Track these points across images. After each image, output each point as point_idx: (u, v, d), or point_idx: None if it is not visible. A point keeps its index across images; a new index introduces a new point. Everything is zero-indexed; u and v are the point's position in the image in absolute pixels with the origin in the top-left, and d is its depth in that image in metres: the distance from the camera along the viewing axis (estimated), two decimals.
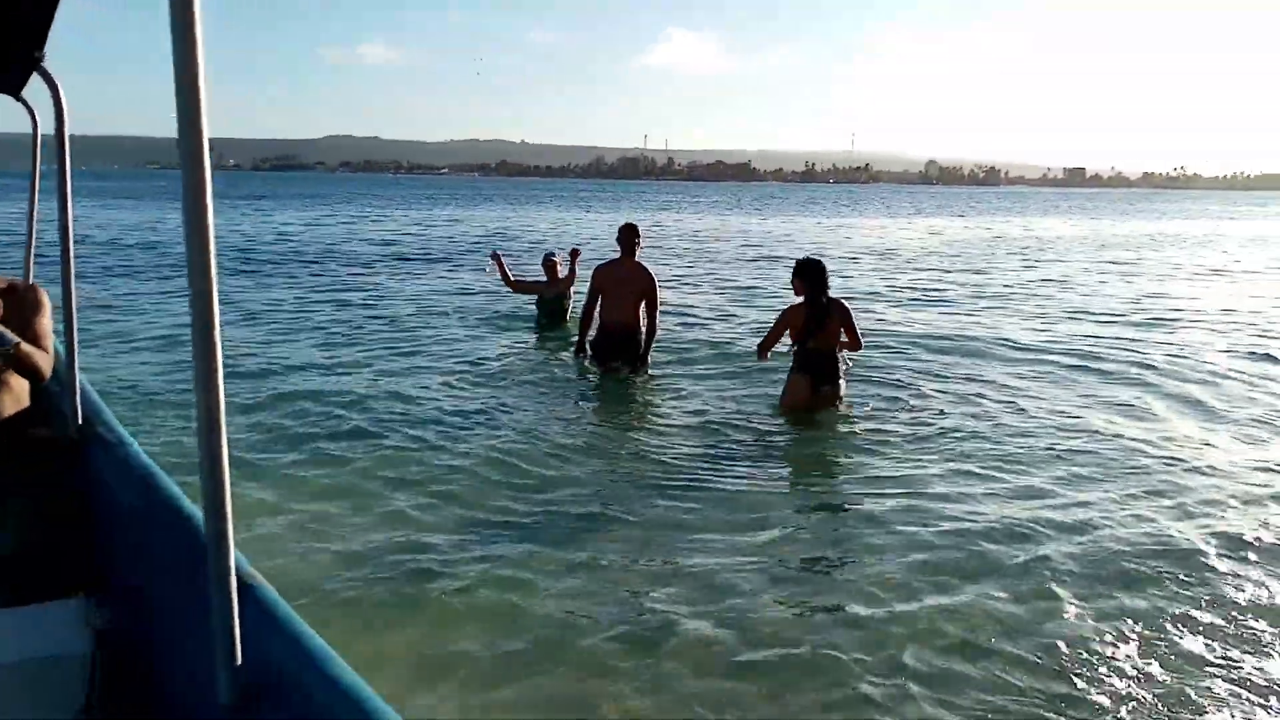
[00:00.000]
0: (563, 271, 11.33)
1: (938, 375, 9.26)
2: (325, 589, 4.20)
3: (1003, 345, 11.32)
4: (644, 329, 9.03)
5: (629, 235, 9.01)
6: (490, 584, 4.32)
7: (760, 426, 7.31)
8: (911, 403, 8.08)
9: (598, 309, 9.02)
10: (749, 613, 4.12)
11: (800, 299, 7.57)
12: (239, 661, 1.29)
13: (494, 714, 3.38)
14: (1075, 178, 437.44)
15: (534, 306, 11.59)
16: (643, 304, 8.98)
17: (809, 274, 7.54)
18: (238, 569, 1.32)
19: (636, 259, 9.01)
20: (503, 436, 6.73)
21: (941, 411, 7.80)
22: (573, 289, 11.20)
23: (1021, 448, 6.85)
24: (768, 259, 24.31)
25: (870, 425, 7.35)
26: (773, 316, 8.22)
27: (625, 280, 8.91)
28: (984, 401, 8.19)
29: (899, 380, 8.92)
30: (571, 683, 3.56)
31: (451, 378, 8.71)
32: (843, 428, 7.36)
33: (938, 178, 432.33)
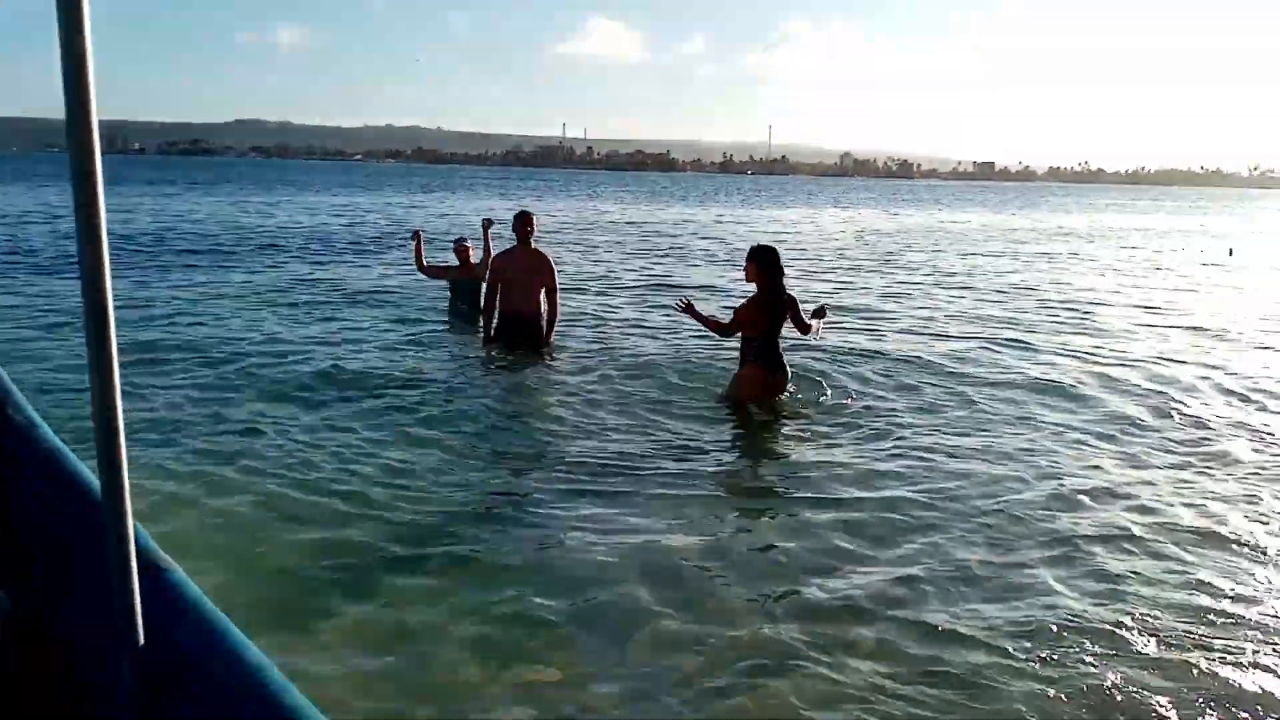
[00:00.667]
0: (475, 258, 11.29)
1: (879, 364, 9.41)
2: (236, 583, 4.14)
3: (942, 334, 11.65)
4: (545, 316, 9.13)
5: (523, 223, 9.01)
6: (404, 587, 4.27)
7: (695, 415, 7.32)
8: (852, 390, 8.20)
9: (498, 297, 9.03)
10: (697, 607, 4.10)
11: (754, 288, 7.48)
12: (141, 644, 1.26)
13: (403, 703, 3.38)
14: (985, 171, 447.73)
15: (449, 294, 11.51)
16: (543, 291, 9.06)
17: (766, 261, 7.47)
18: (145, 551, 1.30)
19: (533, 246, 9.03)
20: (421, 431, 6.57)
21: (886, 401, 7.91)
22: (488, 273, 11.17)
23: (968, 431, 7.04)
24: (692, 249, 24.51)
25: (813, 413, 7.45)
26: (702, 306, 8.07)
27: (523, 268, 8.95)
28: (928, 389, 8.38)
29: (840, 370, 9.04)
30: (495, 680, 3.51)
31: (366, 368, 8.53)
32: (787, 415, 7.42)
33: (853, 170, 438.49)
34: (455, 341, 10.14)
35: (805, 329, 7.61)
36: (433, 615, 3.92)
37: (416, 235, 11.60)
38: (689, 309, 7.53)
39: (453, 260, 11.45)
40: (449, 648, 3.69)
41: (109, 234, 1.15)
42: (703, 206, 54.80)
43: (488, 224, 11.21)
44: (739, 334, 7.56)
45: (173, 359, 8.49)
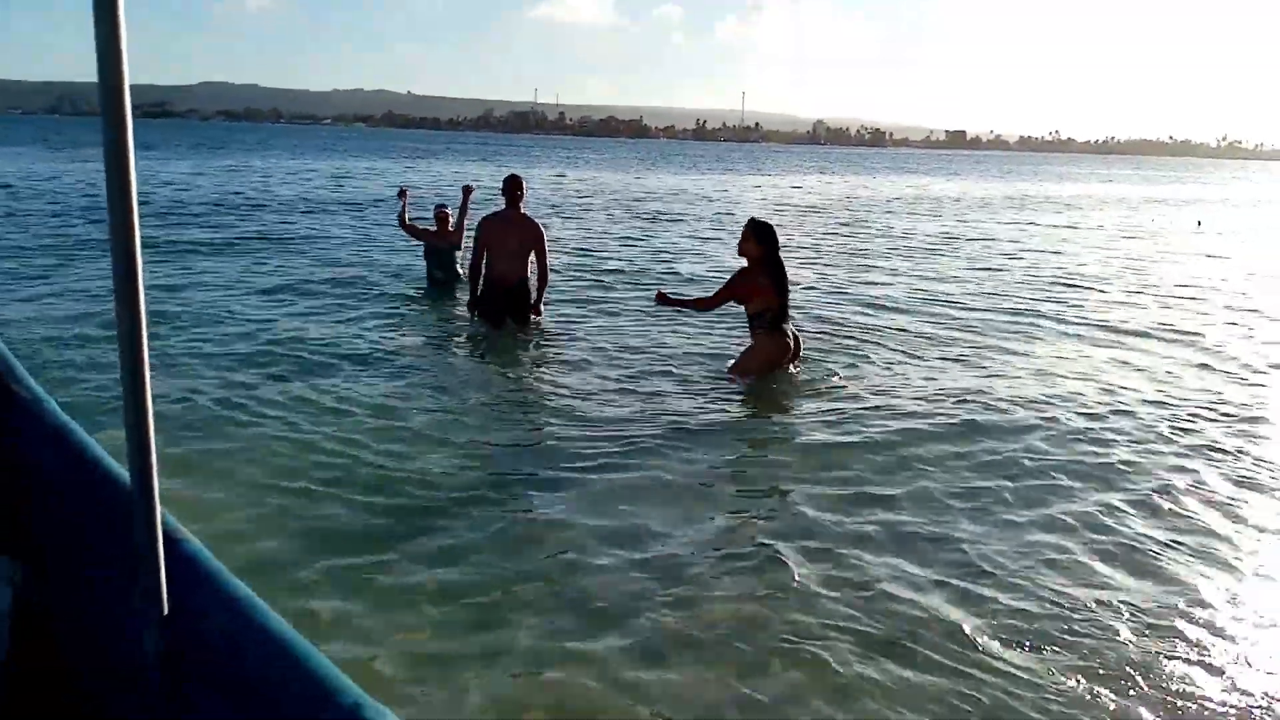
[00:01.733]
0: (454, 224, 11.17)
1: (881, 333, 9.41)
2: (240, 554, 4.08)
3: (944, 303, 11.68)
4: (533, 283, 9.03)
5: (513, 186, 8.88)
6: (405, 563, 4.23)
7: (695, 388, 7.23)
8: (857, 363, 8.15)
9: (484, 263, 8.89)
10: (684, 595, 4.02)
11: (744, 261, 7.44)
12: (165, 612, 1.30)
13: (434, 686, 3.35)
14: (957, 140, 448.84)
15: (423, 260, 11.37)
16: (531, 255, 8.94)
17: (767, 236, 7.42)
18: (165, 523, 1.32)
19: (522, 210, 8.90)
20: (406, 406, 6.44)
21: (891, 370, 7.94)
22: (464, 242, 11.08)
23: (982, 407, 6.93)
24: (673, 215, 24.42)
25: (825, 386, 7.37)
26: (686, 272, 8.03)
27: (512, 232, 8.82)
28: (928, 361, 8.37)
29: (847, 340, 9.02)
30: (507, 667, 3.47)
31: (344, 340, 8.38)
32: (795, 388, 7.33)
33: (826, 138, 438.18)
34: (433, 311, 10.06)
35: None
36: (418, 593, 3.88)
37: (403, 193, 11.65)
38: (661, 299, 7.61)
39: (432, 226, 11.32)
40: (435, 624, 3.65)
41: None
42: (691, 173, 54.53)
43: (468, 190, 11.10)
44: (747, 310, 7.47)
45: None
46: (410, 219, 11.36)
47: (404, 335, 8.74)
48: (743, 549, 4.47)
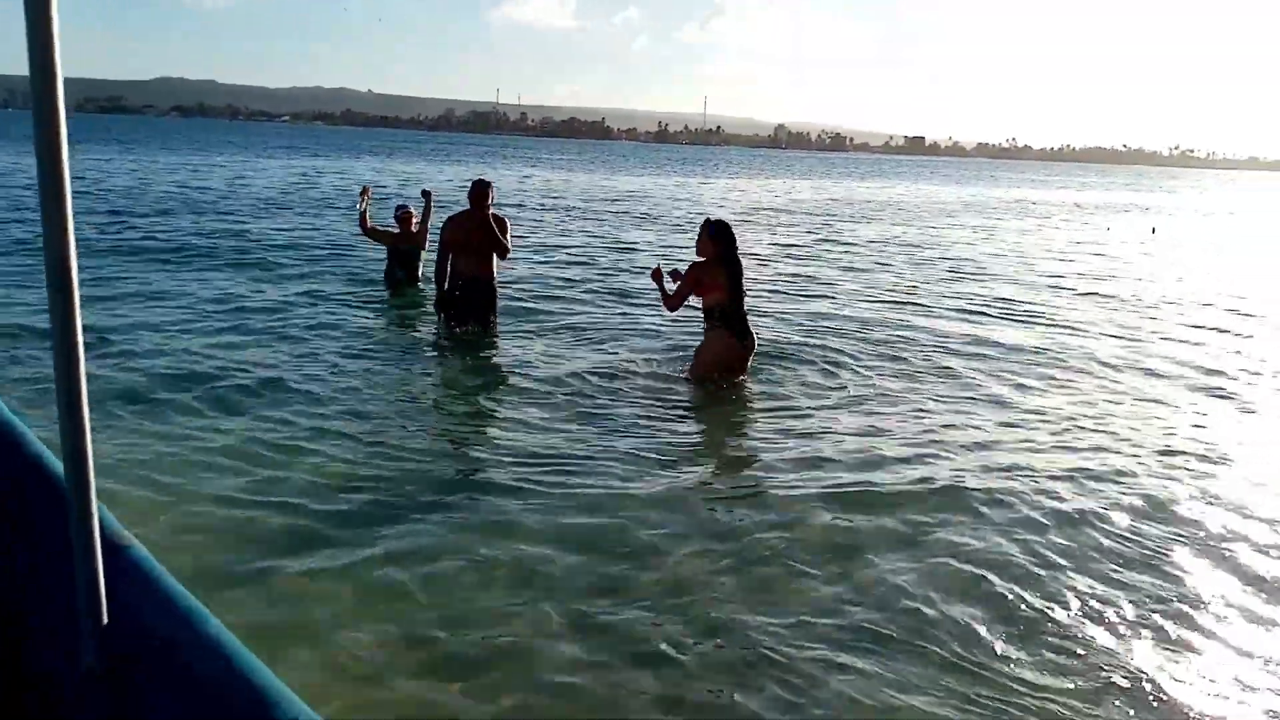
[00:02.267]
0: (417, 226, 11.01)
1: (843, 337, 9.46)
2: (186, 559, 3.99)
3: (904, 305, 11.74)
4: (498, 282, 9.04)
5: (481, 190, 8.83)
6: (354, 565, 4.17)
7: (655, 389, 7.23)
8: (818, 364, 8.17)
9: (449, 262, 8.84)
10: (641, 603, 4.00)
11: (703, 259, 7.42)
12: (105, 622, 1.26)
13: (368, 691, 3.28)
14: (916, 146, 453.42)
15: (384, 261, 11.18)
16: (495, 256, 8.92)
17: (723, 234, 7.43)
18: (107, 529, 1.29)
19: (488, 212, 8.84)
20: (358, 408, 6.34)
21: (857, 371, 8.00)
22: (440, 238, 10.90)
23: (940, 404, 7.06)
24: (638, 216, 24.39)
25: (779, 387, 7.42)
26: (642, 279, 8.05)
27: (478, 233, 8.76)
28: (901, 360, 8.44)
29: (809, 342, 9.05)
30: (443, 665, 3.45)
31: (299, 344, 8.20)
32: (756, 385, 7.40)
33: (787, 142, 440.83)
34: (391, 312, 9.95)
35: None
36: (362, 600, 3.81)
37: (364, 192, 11.18)
38: (657, 274, 7.60)
39: (394, 228, 11.13)
40: (377, 632, 3.58)
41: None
42: (653, 175, 54.56)
43: (428, 195, 10.96)
44: (702, 306, 7.48)
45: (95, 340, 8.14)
46: (371, 220, 11.11)
47: (360, 337, 8.62)
48: (687, 550, 4.42)
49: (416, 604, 3.81)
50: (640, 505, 4.92)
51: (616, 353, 8.40)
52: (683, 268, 7.56)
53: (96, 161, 36.35)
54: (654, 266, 7.74)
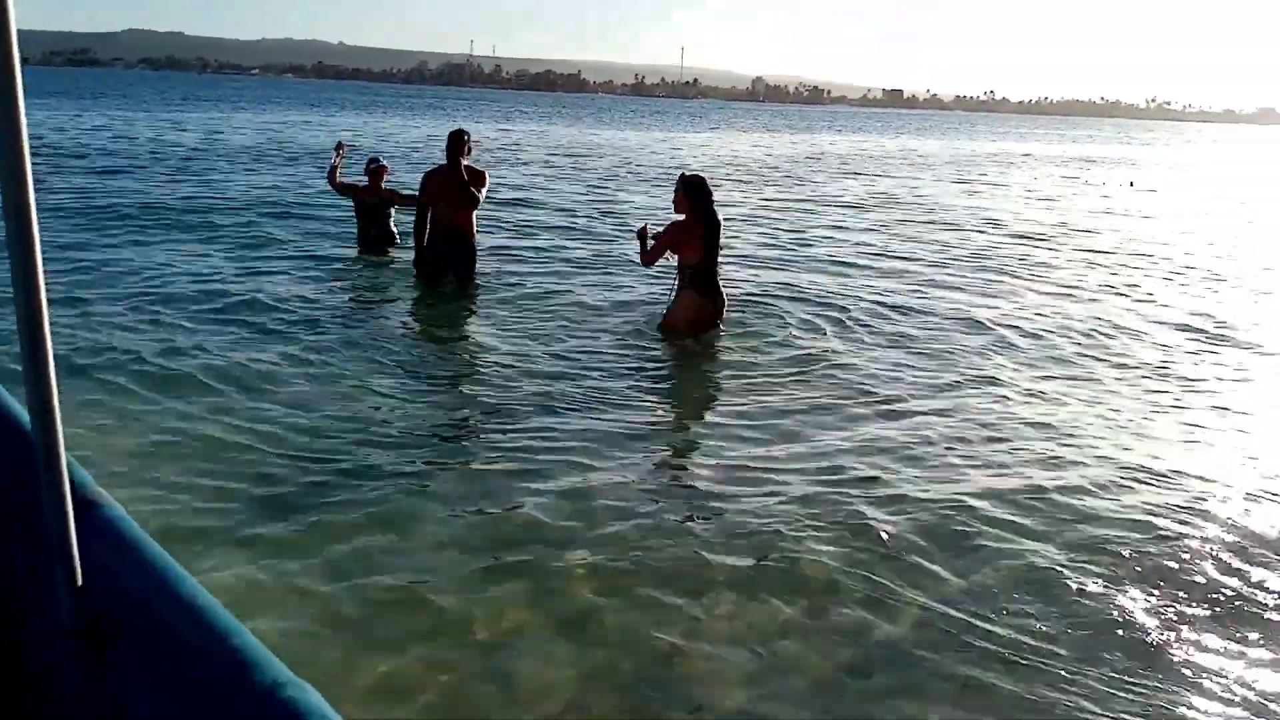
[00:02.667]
0: (388, 181, 10.78)
1: (807, 298, 9.31)
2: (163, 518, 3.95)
3: (874, 259, 11.69)
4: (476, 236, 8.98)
5: (458, 140, 8.72)
6: (332, 522, 4.12)
7: (630, 347, 7.18)
8: (789, 326, 8.08)
9: (429, 216, 8.76)
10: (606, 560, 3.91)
11: (682, 216, 7.40)
12: (79, 583, 1.25)
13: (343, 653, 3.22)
14: (894, 99, 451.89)
15: (355, 218, 10.82)
16: (475, 211, 8.86)
17: (700, 191, 7.39)
18: (81, 487, 1.29)
19: (466, 163, 8.73)
20: (329, 368, 6.23)
21: (823, 334, 7.90)
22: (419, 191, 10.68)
23: (913, 371, 6.92)
24: (615, 170, 24.17)
25: (752, 344, 7.39)
26: (622, 233, 8.03)
27: (456, 185, 8.66)
28: (860, 325, 8.31)
29: (771, 302, 8.95)
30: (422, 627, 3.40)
31: (270, 308, 7.97)
32: (728, 345, 7.34)
33: (764, 95, 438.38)
34: (366, 270, 9.79)
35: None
36: (339, 562, 3.76)
37: (339, 147, 10.96)
38: (642, 233, 7.57)
39: (364, 181, 10.86)
40: (354, 593, 3.55)
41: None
42: (631, 129, 54.10)
43: (340, 146, 10.79)
44: (679, 264, 7.46)
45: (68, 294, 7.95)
46: (342, 176, 10.86)
47: (334, 294, 8.49)
48: (671, 516, 4.36)
49: (389, 566, 3.76)
50: (610, 468, 4.86)
51: (594, 309, 8.33)
52: (661, 230, 7.53)
53: (69, 117, 35.62)
54: (640, 225, 7.72)
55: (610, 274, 10.07)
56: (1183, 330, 8.73)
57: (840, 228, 15.09)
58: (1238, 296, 10.60)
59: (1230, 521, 4.60)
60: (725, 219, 7.71)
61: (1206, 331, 8.70)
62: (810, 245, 12.98)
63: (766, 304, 8.82)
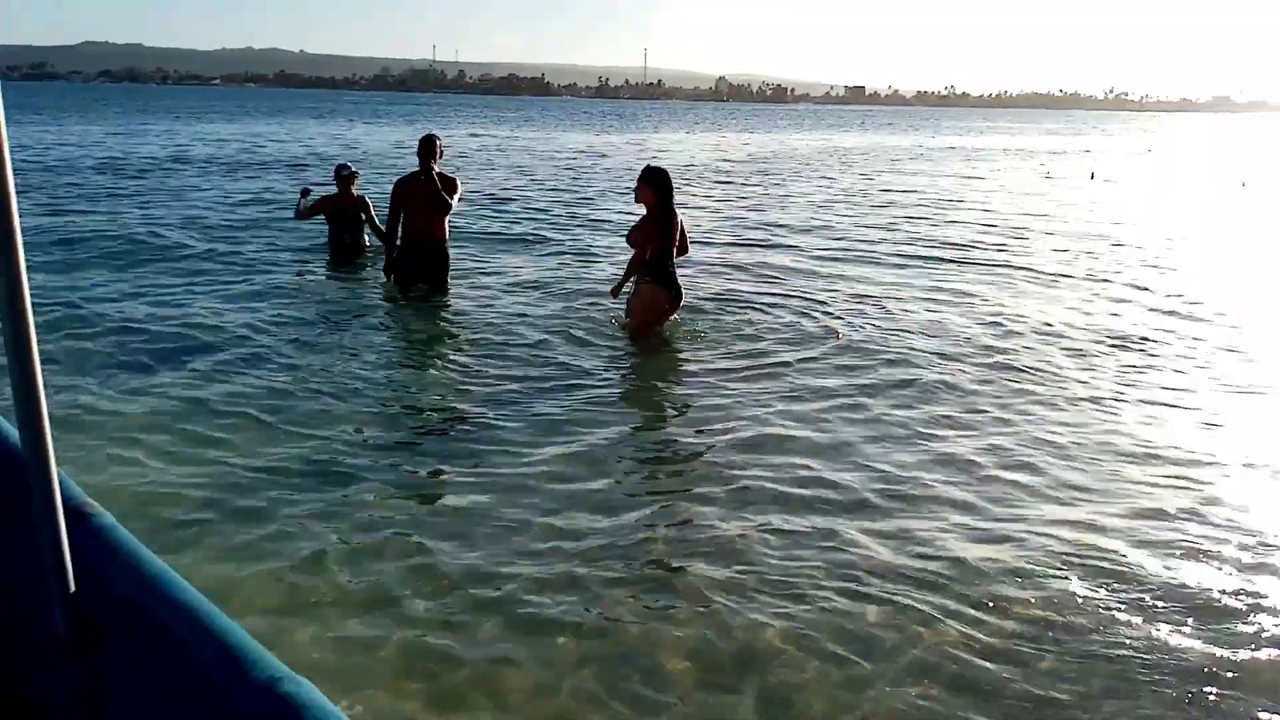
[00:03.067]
0: (357, 189, 10.66)
1: (771, 288, 9.42)
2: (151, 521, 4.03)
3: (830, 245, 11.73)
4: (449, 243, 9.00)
5: (429, 146, 8.69)
6: (301, 526, 4.18)
7: (598, 348, 7.21)
8: (747, 316, 8.22)
9: (401, 223, 8.73)
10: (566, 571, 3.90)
11: (644, 211, 7.47)
12: (72, 589, 1.26)
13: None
14: (856, 96, 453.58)
15: (328, 226, 10.65)
16: (447, 217, 8.86)
17: (659, 182, 7.46)
18: (71, 497, 1.30)
19: (438, 170, 8.71)
20: (300, 378, 6.22)
21: (773, 327, 7.94)
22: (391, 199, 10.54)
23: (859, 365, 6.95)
24: (584, 171, 24.11)
25: (715, 339, 7.50)
26: (593, 238, 8.04)
27: (425, 190, 8.63)
28: (811, 315, 8.39)
29: (732, 295, 9.03)
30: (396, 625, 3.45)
31: (244, 308, 8.08)
32: (694, 340, 7.45)
33: (728, 94, 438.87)
34: (337, 279, 9.75)
35: (684, 249, 7.64)
36: (325, 563, 3.83)
37: (304, 194, 10.82)
38: (615, 292, 7.74)
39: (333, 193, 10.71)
40: (343, 593, 3.63)
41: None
42: (596, 132, 53.93)
43: (305, 193, 10.68)
44: (640, 260, 7.51)
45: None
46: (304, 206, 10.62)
47: (307, 306, 8.47)
48: (643, 524, 4.36)
49: (370, 566, 3.82)
50: (579, 461, 4.97)
51: (565, 312, 8.38)
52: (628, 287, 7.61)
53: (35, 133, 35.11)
54: (612, 287, 7.89)
55: (581, 276, 10.09)
56: (1167, 314, 8.88)
57: (807, 223, 15.12)
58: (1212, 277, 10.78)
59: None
60: (688, 216, 7.76)
61: (1187, 316, 8.89)
62: (777, 240, 13.03)
63: (735, 299, 8.87)
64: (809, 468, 4.98)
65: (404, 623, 3.44)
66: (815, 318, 8.35)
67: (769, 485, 4.72)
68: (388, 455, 4.99)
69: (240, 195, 16.86)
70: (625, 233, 7.67)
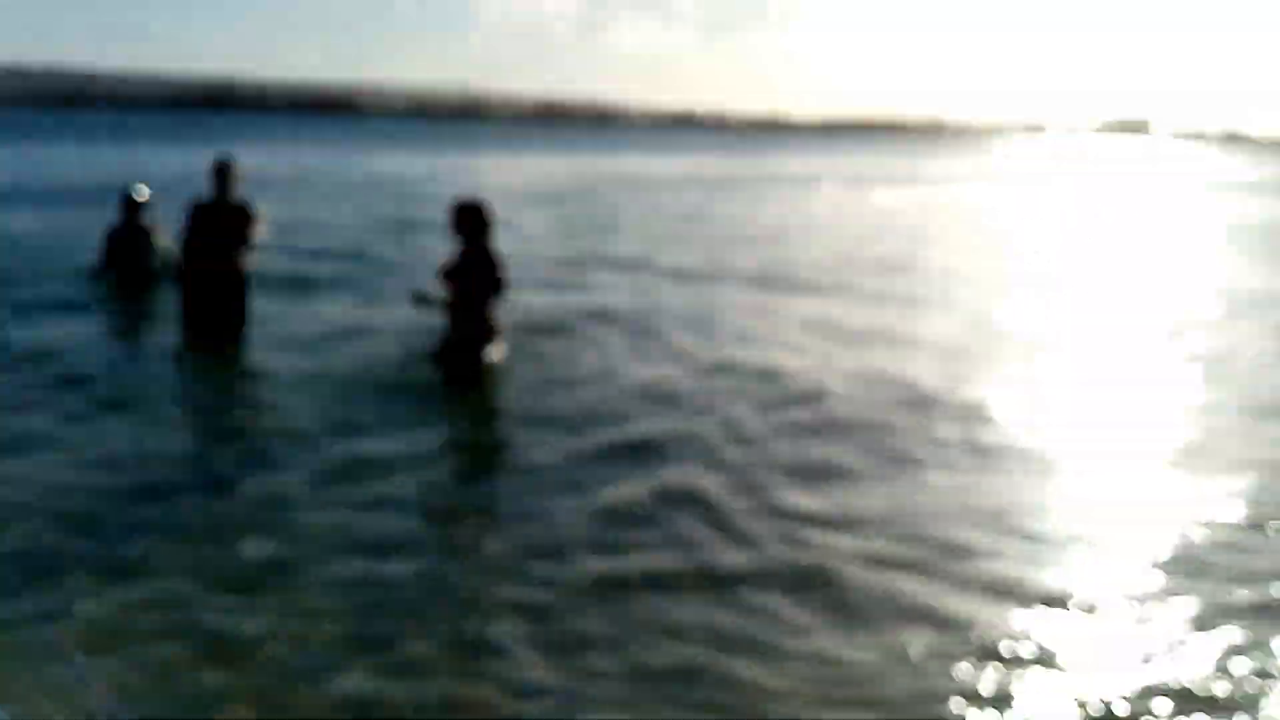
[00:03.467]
0: (148, 216, 9.69)
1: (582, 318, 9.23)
2: None
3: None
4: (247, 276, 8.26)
5: (224, 171, 7.91)
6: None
7: (399, 395, 6.78)
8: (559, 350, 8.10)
9: (190, 252, 8.02)
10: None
11: (460, 245, 7.10)
12: None
13: None
14: (684, 120, 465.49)
15: (109, 253, 9.73)
16: (245, 246, 8.13)
17: (475, 215, 7.08)
18: None
19: (236, 197, 7.98)
20: (101, 423, 5.88)
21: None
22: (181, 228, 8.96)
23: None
24: (401, 201, 22.29)
25: (536, 367, 7.38)
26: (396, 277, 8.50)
27: (221, 218, 7.91)
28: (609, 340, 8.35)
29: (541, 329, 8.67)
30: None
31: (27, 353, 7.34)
32: (507, 371, 7.21)
33: (555, 117, 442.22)
34: (120, 307, 9.12)
35: (500, 286, 7.19)
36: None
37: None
38: (419, 301, 7.28)
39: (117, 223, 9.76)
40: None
41: None
42: (413, 154, 51.74)
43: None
44: (446, 292, 7.22)
45: None
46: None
47: (92, 344, 7.82)
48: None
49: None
50: (381, 509, 4.85)
51: (369, 347, 8.00)
52: (434, 286, 7.28)
53: None
54: (411, 293, 7.41)
55: (384, 308, 9.48)
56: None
57: (632, 250, 14.53)
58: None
59: None
60: (512, 243, 7.10)
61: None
62: (602, 265, 12.85)
63: (557, 326, 8.70)
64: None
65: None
66: (629, 339, 8.33)
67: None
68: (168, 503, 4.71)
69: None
70: (439, 269, 7.30)
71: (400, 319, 8.79)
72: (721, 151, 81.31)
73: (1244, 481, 5.48)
